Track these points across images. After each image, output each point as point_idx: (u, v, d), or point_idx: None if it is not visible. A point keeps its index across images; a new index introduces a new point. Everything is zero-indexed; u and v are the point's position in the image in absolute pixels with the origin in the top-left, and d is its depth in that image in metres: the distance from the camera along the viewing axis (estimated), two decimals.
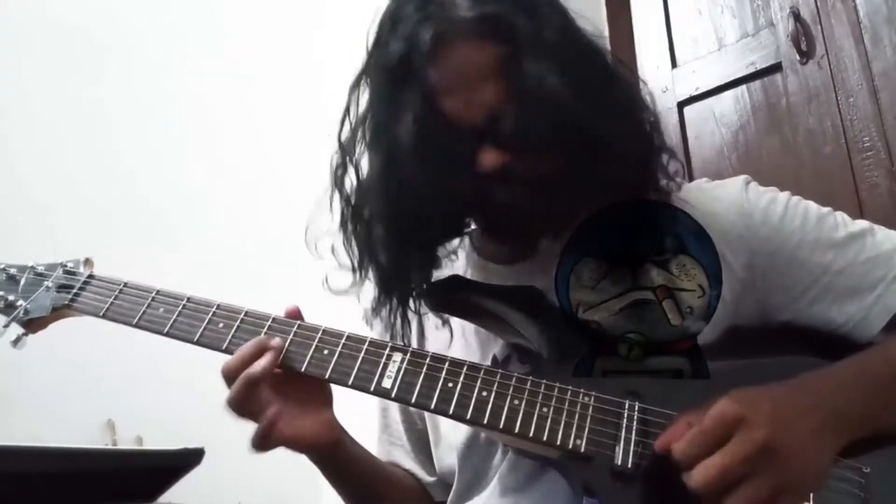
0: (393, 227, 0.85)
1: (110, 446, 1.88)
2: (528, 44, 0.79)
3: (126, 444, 1.95)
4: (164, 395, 1.91)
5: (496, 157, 0.80)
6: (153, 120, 2.28)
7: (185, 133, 2.33)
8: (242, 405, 0.81)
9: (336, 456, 0.92)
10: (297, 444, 0.85)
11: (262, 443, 0.82)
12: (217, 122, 2.38)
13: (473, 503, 0.90)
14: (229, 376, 0.82)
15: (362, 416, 1.00)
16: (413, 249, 0.86)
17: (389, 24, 0.84)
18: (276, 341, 0.83)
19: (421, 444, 1.02)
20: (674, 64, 2.03)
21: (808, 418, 0.70)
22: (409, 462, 1.04)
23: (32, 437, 0.88)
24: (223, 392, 0.83)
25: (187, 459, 0.97)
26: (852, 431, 0.72)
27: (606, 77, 0.85)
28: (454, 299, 0.89)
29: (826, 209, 0.88)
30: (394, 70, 0.82)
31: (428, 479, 1.02)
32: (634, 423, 0.75)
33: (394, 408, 1.05)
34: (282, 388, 0.84)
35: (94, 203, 2.10)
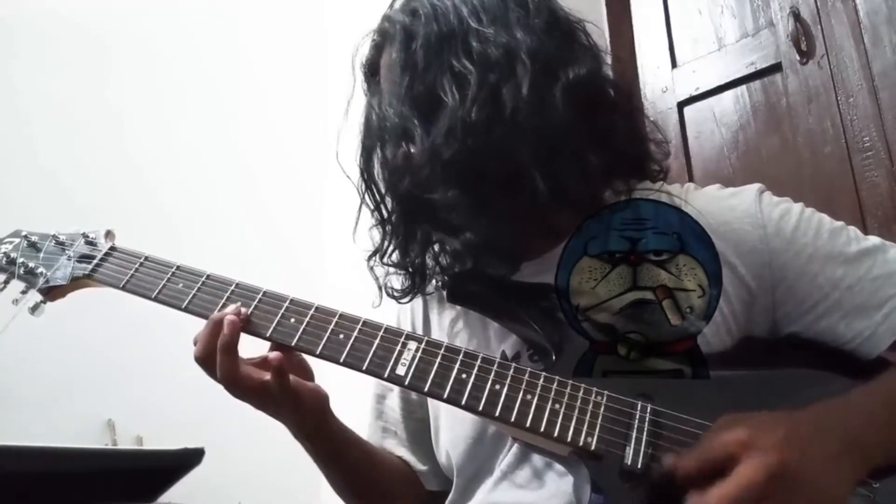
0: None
1: (110, 446, 1.87)
2: (397, 49, 0.89)
3: (126, 444, 1.95)
4: (164, 395, 1.90)
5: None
6: (165, 108, 2.29)
7: (200, 121, 2.34)
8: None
9: (322, 431, 0.93)
10: (294, 399, 0.86)
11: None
12: (230, 110, 2.40)
13: (476, 497, 0.90)
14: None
15: (346, 404, 1.00)
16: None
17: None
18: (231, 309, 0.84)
19: (417, 432, 1.02)
20: (674, 64, 2.03)
21: (826, 445, 0.68)
22: (401, 450, 1.04)
23: (32, 437, 0.88)
24: (223, 392, 0.83)
25: (187, 459, 0.97)
26: (872, 459, 0.70)
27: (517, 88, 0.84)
28: (473, 292, 0.90)
29: (839, 223, 0.87)
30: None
31: (420, 467, 1.03)
32: (646, 424, 0.75)
33: (393, 395, 1.05)
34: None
35: (107, 188, 2.11)
